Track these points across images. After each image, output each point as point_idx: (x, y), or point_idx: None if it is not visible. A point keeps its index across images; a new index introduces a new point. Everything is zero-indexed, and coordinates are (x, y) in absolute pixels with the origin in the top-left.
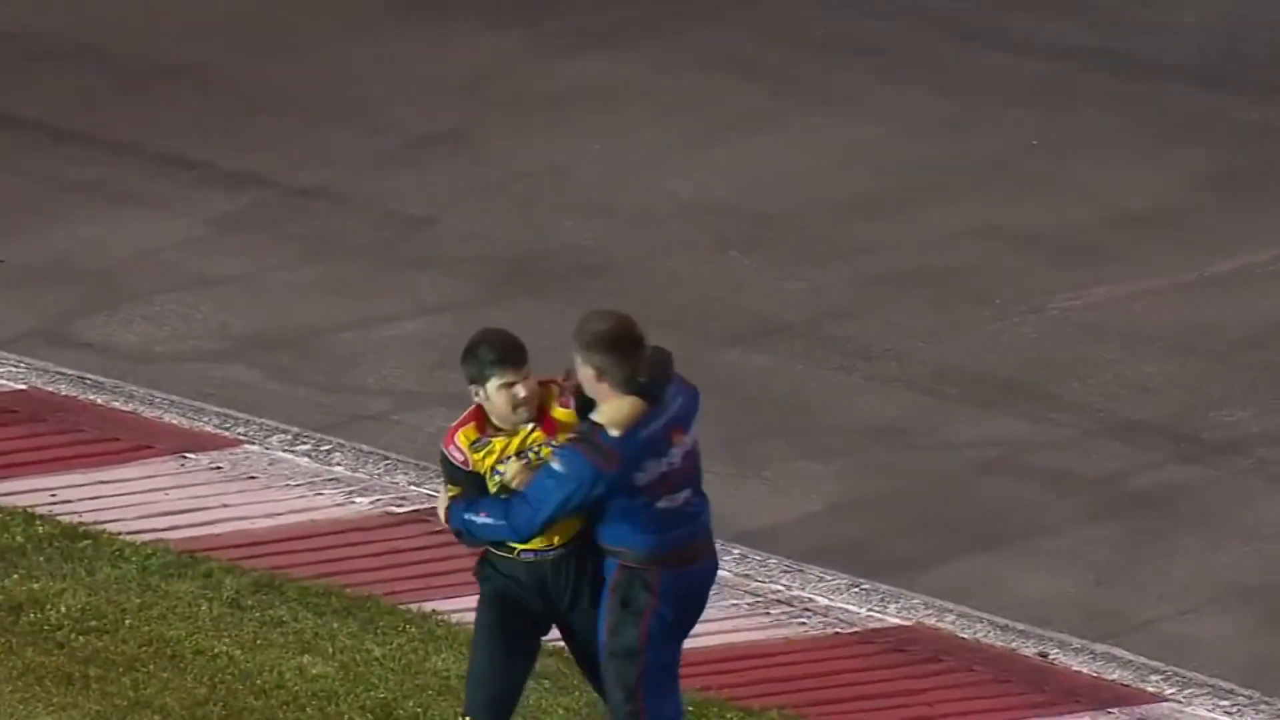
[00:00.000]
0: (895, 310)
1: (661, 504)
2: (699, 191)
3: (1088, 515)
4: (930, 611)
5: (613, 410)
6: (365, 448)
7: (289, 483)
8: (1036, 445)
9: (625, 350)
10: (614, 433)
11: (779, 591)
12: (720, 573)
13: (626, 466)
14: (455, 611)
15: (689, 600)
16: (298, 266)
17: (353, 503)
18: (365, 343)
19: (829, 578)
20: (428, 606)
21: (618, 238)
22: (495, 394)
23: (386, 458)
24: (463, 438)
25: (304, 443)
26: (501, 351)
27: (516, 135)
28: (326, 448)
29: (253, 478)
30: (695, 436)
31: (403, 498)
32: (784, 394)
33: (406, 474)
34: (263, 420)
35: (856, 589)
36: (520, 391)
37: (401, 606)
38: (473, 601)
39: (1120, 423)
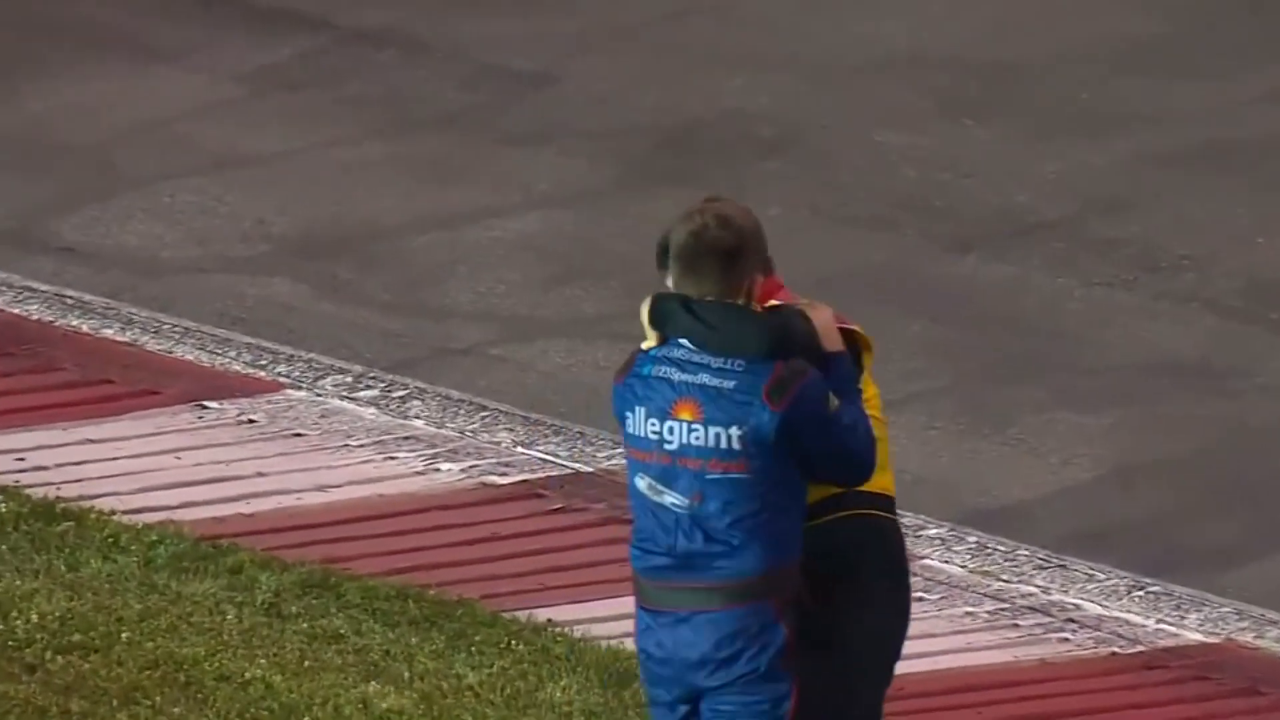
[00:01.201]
0: (1193, 202)
1: (640, 482)
2: (913, 35)
3: None
4: (1246, 624)
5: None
6: (455, 394)
7: (349, 442)
8: None
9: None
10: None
11: (1032, 595)
12: (949, 568)
13: (622, 387)
14: (580, 621)
15: (660, 663)
16: (360, 141)
17: (437, 470)
18: (454, 248)
19: (1102, 576)
20: (541, 615)
21: (801, 101)
22: None
23: (484, 408)
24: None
25: (369, 386)
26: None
27: None
28: (400, 393)
29: (299, 435)
30: (746, 455)
31: (506, 464)
32: (1038, 318)
33: (512, 430)
34: (312, 356)
35: (1141, 592)
36: None
37: (505, 615)
38: (606, 607)
39: None
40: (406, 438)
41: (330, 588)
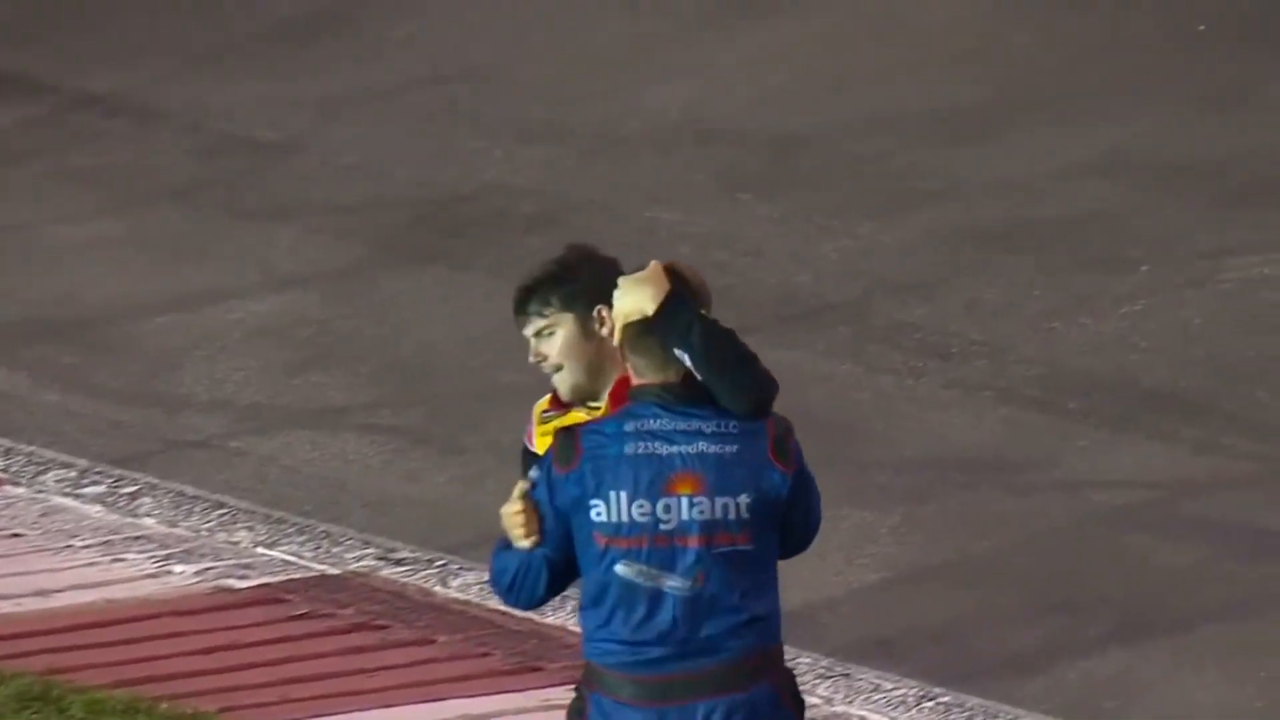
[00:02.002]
0: (987, 284)
1: (626, 570)
2: (691, 104)
3: None
4: None
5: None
6: (189, 490)
7: (73, 543)
8: (1203, 486)
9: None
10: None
11: (815, 707)
12: None
13: (577, 474)
14: None
15: None
16: (88, 217)
17: (170, 573)
18: (189, 332)
19: (889, 686)
20: None
21: (568, 174)
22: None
23: (221, 506)
24: (539, 405)
25: (95, 482)
26: (518, 289)
27: (417, 17)
28: (130, 489)
29: (17, 535)
30: (751, 524)
31: (246, 566)
32: (821, 409)
33: (251, 529)
34: (33, 449)
35: (931, 703)
36: (534, 345)
37: None
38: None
39: None
40: (136, 537)
41: (52, 701)
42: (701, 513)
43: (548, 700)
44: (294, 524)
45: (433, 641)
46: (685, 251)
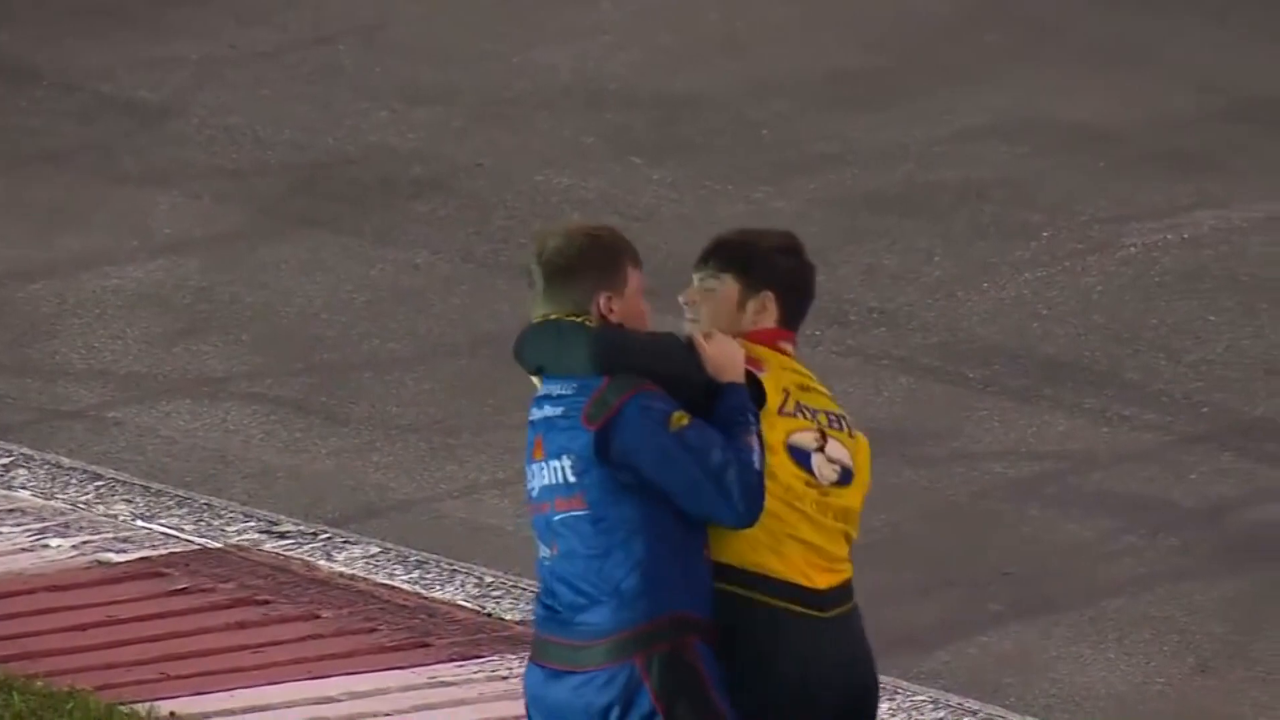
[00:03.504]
0: (885, 250)
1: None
2: (580, 65)
3: (1188, 565)
4: (942, 714)
5: None
6: (66, 462)
7: None
8: (1106, 457)
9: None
10: None
11: None
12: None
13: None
14: (207, 714)
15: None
16: None
17: (46, 546)
18: (65, 299)
19: None
20: (163, 707)
21: (455, 136)
22: None
23: (99, 478)
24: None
25: None
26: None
27: None
28: (4, 461)
29: None
30: (581, 487)
31: (124, 539)
32: None
33: (130, 502)
34: None
35: None
36: (693, 290)
37: (123, 707)
38: (235, 698)
39: (1237, 421)
40: (10, 510)
41: None
42: (544, 479)
43: (435, 676)
44: (174, 496)
45: (317, 617)
46: (576, 217)
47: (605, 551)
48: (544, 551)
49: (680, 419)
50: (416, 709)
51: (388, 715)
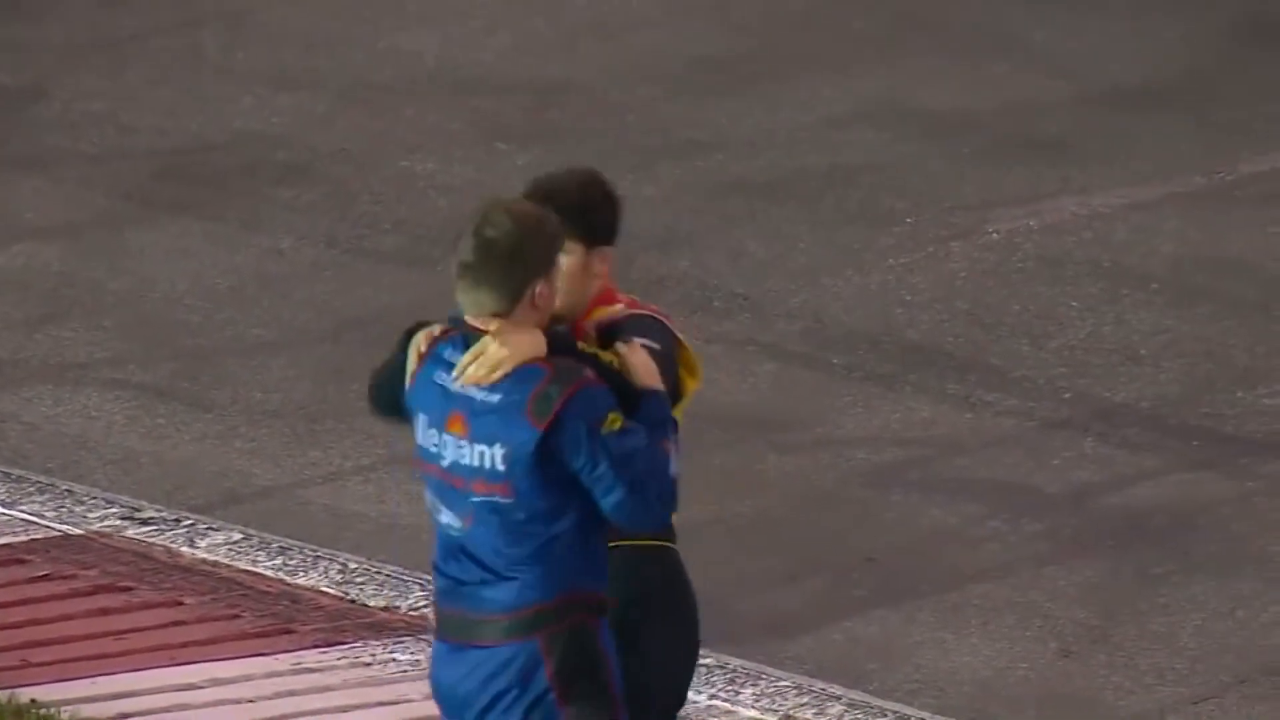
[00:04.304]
0: (751, 236)
1: (426, 494)
2: (446, 51)
3: (1050, 551)
4: (806, 699)
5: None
6: None
7: None
8: (968, 443)
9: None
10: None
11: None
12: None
13: (414, 387)
14: (69, 701)
15: (442, 696)
16: None
17: None
18: None
19: None
20: (24, 694)
21: (320, 122)
22: None
23: None
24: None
25: None
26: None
27: None
28: None
29: None
30: (509, 477)
31: None
32: None
33: None
34: None
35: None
36: None
37: None
38: (97, 685)
39: (1099, 407)
40: None
41: None
42: (464, 457)
43: (300, 663)
44: (34, 482)
45: (180, 603)
46: (442, 204)
47: (521, 538)
48: (448, 518)
49: (614, 421)
50: (280, 695)
51: (251, 701)
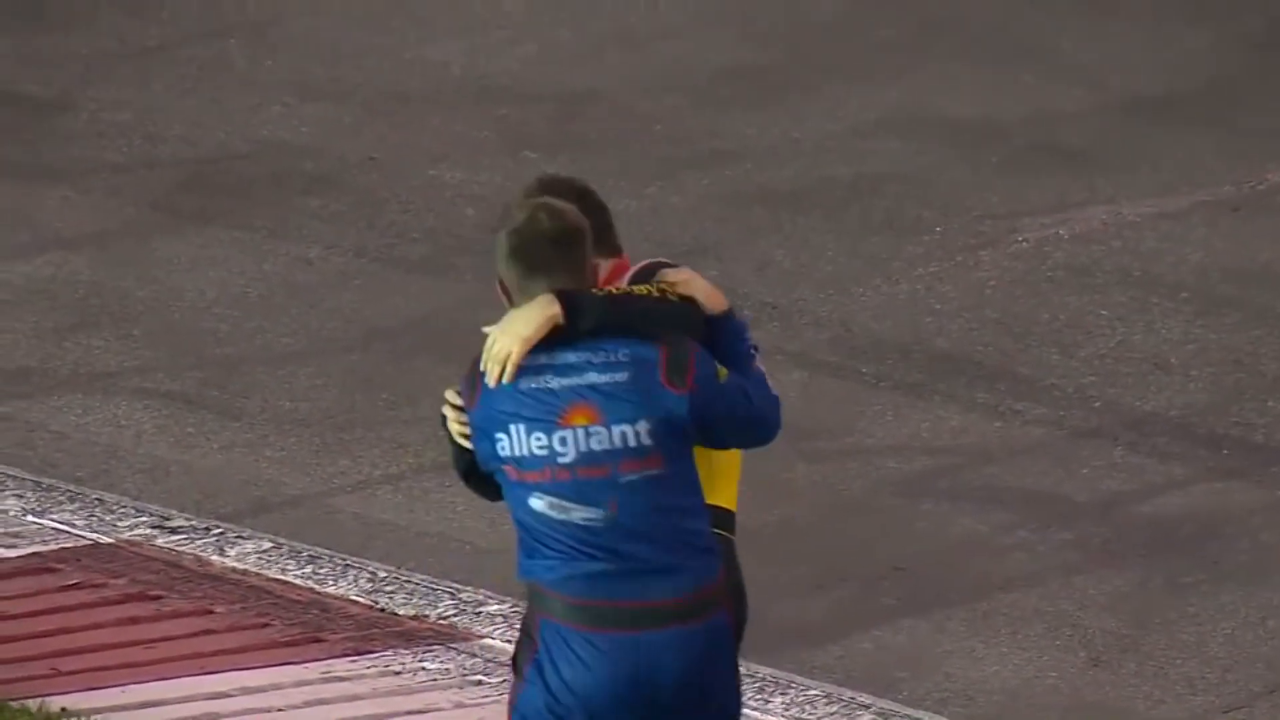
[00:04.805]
0: (778, 246)
1: (537, 503)
2: (473, 60)
3: (1079, 560)
4: (835, 708)
5: (513, 318)
6: None
7: None
8: (997, 452)
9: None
10: (485, 363)
11: None
12: (513, 649)
13: (480, 412)
14: (99, 710)
15: (585, 691)
16: None
17: None
18: None
19: None
20: (54, 703)
21: (347, 131)
22: None
23: None
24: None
25: None
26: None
27: None
28: None
29: None
30: (658, 448)
31: (15, 535)
32: None
33: (21, 497)
34: None
35: None
36: None
37: (13, 703)
38: (127, 693)
39: (1128, 416)
40: None
41: None
42: (600, 443)
43: (329, 671)
44: (65, 491)
45: (210, 612)
46: (470, 213)
47: (682, 505)
48: (586, 514)
49: (722, 371)
50: (309, 704)
51: (281, 710)
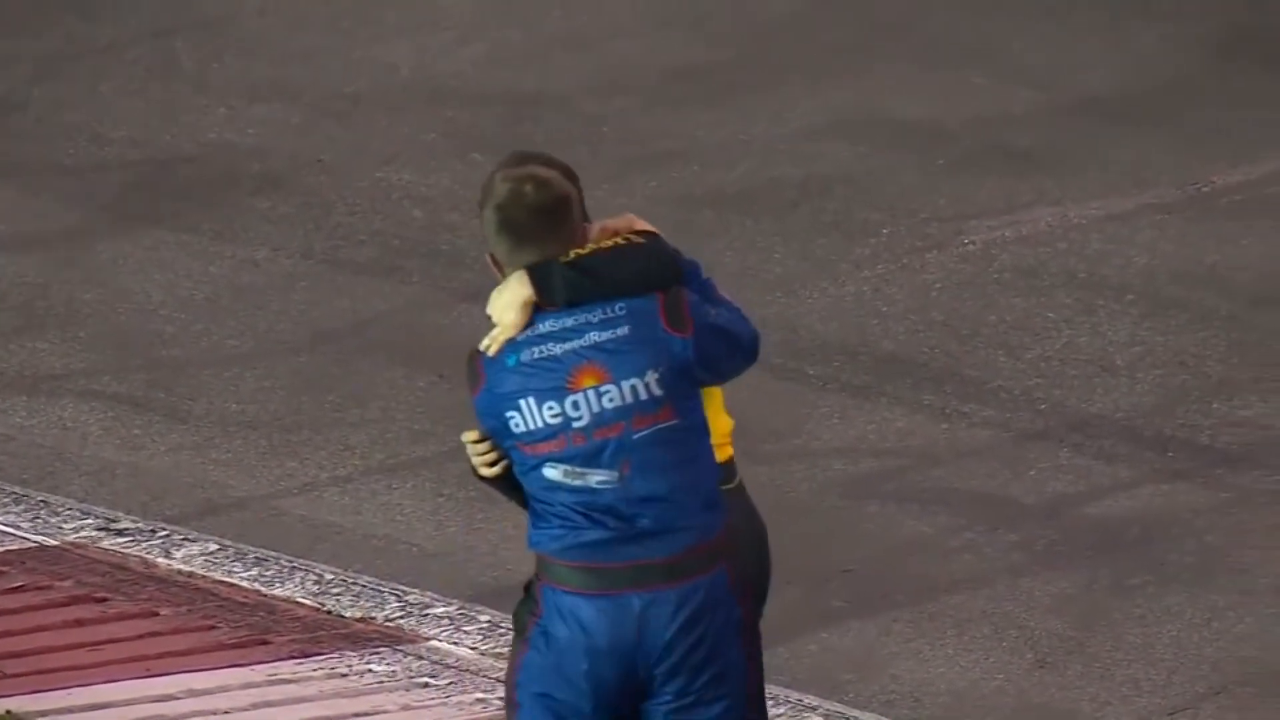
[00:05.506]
0: (723, 245)
1: (551, 472)
2: (421, 62)
3: (1026, 562)
4: (784, 711)
5: (494, 301)
6: None
7: None
8: (944, 454)
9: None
10: (485, 342)
11: None
12: (459, 650)
13: (487, 395)
14: (45, 713)
15: (585, 655)
16: None
17: None
18: None
19: None
20: (0, 706)
21: (294, 133)
22: None
23: None
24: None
25: None
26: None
27: None
28: None
29: None
30: (668, 398)
31: None
32: None
33: None
34: None
35: None
36: None
37: None
38: (73, 696)
39: (1074, 418)
40: None
41: None
42: (612, 400)
43: (275, 674)
44: (9, 493)
45: (156, 614)
46: (418, 215)
47: (694, 456)
48: (600, 477)
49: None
50: (256, 706)
51: (227, 713)
